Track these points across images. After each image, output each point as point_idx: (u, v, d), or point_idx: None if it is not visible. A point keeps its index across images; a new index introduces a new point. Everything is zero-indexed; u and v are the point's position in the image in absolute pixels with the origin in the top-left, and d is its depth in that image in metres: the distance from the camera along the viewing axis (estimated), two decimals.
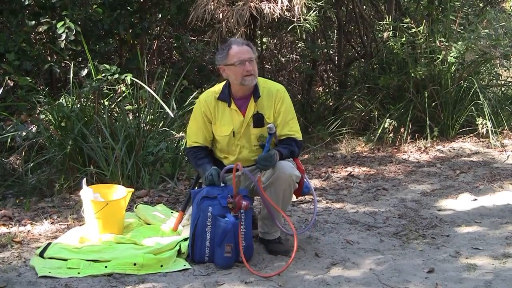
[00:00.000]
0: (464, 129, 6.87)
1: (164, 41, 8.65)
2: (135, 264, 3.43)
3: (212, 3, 6.01)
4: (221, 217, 3.49)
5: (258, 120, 3.68)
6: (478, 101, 6.79)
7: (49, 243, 3.67)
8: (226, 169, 3.57)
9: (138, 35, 6.85)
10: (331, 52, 9.02)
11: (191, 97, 5.93)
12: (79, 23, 6.10)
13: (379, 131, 6.72)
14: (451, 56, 6.59)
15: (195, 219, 3.55)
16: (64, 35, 5.89)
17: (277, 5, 5.96)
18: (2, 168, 5.33)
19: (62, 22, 5.89)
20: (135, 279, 3.35)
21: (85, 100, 5.41)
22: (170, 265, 3.49)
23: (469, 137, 6.77)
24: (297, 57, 9.43)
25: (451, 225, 4.29)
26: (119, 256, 3.49)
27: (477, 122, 6.63)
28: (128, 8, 6.99)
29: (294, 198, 3.87)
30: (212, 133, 3.77)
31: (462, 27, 7.13)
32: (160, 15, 7.46)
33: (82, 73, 6.07)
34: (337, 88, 8.68)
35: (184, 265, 3.51)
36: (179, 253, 3.59)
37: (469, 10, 8.27)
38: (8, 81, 6.00)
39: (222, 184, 3.57)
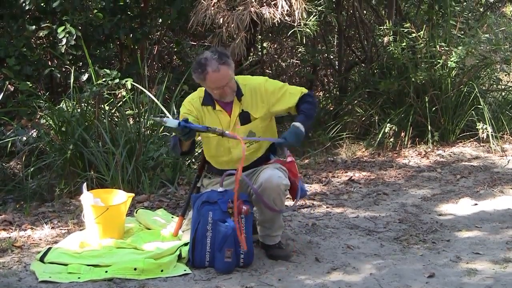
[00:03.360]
0: (464, 134, 6.85)
1: (165, 46, 8.65)
2: (135, 269, 3.43)
3: (213, 8, 6.01)
4: (221, 222, 3.49)
5: (244, 118, 3.68)
6: (479, 106, 6.78)
7: (50, 248, 3.67)
8: (227, 173, 3.57)
9: (139, 40, 6.85)
10: (332, 56, 9.01)
11: None
12: (80, 28, 6.11)
13: (380, 135, 6.71)
14: (451, 61, 6.58)
15: (195, 224, 3.55)
16: (64, 40, 5.89)
17: (277, 10, 5.96)
18: (2, 173, 5.34)
19: (63, 27, 5.89)
20: (136, 284, 3.35)
21: (86, 105, 5.41)
22: (171, 270, 3.49)
23: (469, 142, 6.76)
24: (297, 61, 9.42)
25: (451, 230, 4.29)
26: (119, 261, 3.49)
27: (477, 127, 6.61)
28: (129, 13, 7.00)
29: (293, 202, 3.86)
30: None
31: (462, 32, 7.11)
32: (160, 20, 7.46)
33: (83, 77, 6.07)
34: (338, 92, 8.66)
35: (185, 270, 3.51)
36: (179, 258, 3.59)
37: (469, 15, 8.26)
38: (9, 86, 6.00)
39: (220, 189, 3.57)
